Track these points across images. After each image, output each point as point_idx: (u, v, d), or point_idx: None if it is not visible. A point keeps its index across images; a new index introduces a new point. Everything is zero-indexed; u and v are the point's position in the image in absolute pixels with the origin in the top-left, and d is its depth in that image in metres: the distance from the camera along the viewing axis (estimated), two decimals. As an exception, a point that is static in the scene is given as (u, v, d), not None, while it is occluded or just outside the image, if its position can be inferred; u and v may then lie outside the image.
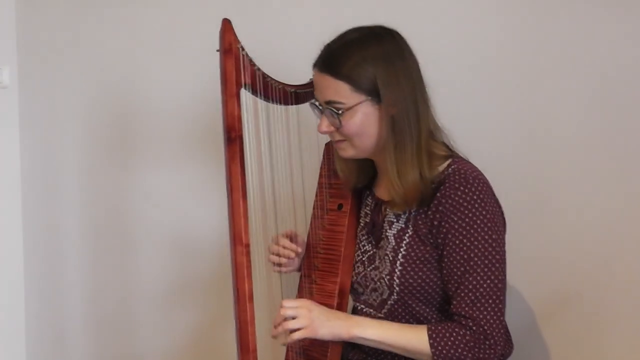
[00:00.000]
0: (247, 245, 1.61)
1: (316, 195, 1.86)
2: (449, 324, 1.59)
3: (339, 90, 1.60)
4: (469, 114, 1.73)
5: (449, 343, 1.57)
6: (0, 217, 2.71)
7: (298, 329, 1.60)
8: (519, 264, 1.84)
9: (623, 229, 1.81)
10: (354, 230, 1.78)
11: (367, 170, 1.77)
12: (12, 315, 2.74)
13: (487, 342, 1.57)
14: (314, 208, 1.85)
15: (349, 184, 1.79)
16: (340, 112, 1.61)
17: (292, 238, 1.84)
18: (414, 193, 1.61)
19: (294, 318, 1.60)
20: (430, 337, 1.58)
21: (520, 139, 1.92)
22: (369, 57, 1.59)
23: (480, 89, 1.95)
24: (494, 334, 1.57)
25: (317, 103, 1.68)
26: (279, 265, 1.83)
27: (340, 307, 1.73)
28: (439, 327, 1.59)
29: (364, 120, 1.61)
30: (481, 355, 1.56)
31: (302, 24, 2.18)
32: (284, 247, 1.82)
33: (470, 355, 1.56)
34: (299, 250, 1.83)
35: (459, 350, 1.56)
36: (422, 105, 1.62)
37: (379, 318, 1.70)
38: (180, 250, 2.48)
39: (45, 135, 2.70)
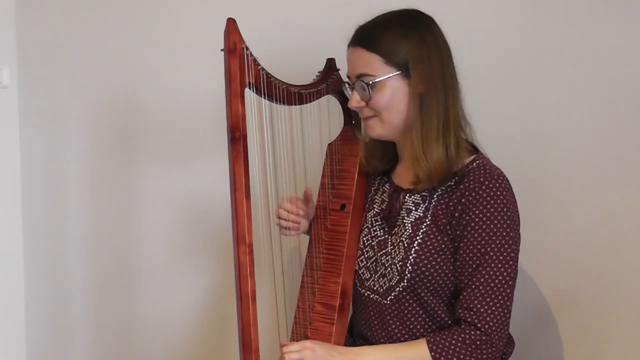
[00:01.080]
0: (251, 245, 1.61)
1: (319, 196, 1.86)
2: (446, 333, 1.61)
3: (371, 63, 1.64)
4: (472, 113, 1.74)
5: (450, 352, 1.58)
6: (1, 216, 2.71)
7: None
8: (521, 263, 1.84)
9: (625, 229, 1.82)
10: (356, 231, 1.79)
11: (389, 155, 1.79)
12: (12, 315, 2.74)
13: (490, 341, 1.58)
14: (316, 208, 1.85)
15: (371, 168, 1.81)
16: (370, 83, 1.64)
17: (307, 199, 1.85)
18: (438, 170, 1.63)
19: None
20: (431, 349, 1.59)
21: (524, 138, 1.93)
22: (402, 32, 1.63)
23: (484, 88, 1.96)
24: (498, 330, 1.58)
25: (348, 81, 1.71)
26: (285, 228, 1.85)
27: (343, 308, 1.73)
28: (438, 338, 1.60)
29: (393, 94, 1.64)
30: (484, 356, 1.58)
31: (307, 24, 2.18)
32: (288, 212, 1.84)
33: (473, 357, 1.58)
34: (301, 213, 1.84)
35: (461, 356, 1.58)
36: (451, 88, 1.65)
37: (384, 305, 1.70)
38: (183, 251, 2.47)
39: (45, 135, 2.70)
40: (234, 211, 1.62)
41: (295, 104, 1.74)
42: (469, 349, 1.58)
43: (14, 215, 2.72)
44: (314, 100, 1.78)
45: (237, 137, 1.62)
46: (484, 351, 1.58)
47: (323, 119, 1.86)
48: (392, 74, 1.63)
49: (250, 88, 1.65)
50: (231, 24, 1.61)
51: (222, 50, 1.62)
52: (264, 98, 1.69)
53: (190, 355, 2.48)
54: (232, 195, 1.62)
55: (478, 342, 1.58)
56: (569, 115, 1.88)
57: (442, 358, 1.58)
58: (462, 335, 1.58)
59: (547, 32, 1.89)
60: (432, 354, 1.59)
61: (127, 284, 2.58)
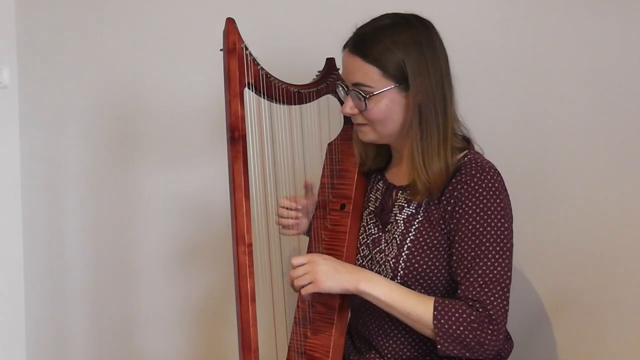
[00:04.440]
0: (250, 245, 1.61)
1: (318, 196, 1.86)
2: (456, 301, 1.59)
3: (369, 74, 1.62)
4: (473, 110, 1.74)
5: (452, 319, 1.56)
6: (0, 217, 2.71)
7: (308, 285, 1.62)
8: (521, 261, 1.84)
9: (626, 226, 1.82)
10: (356, 231, 1.79)
11: (384, 154, 1.79)
12: (12, 316, 2.74)
13: (491, 327, 1.56)
14: (316, 208, 1.85)
15: (365, 167, 1.80)
16: (367, 95, 1.63)
17: (306, 190, 1.84)
18: (438, 182, 1.62)
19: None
20: (435, 308, 1.57)
21: (525, 135, 1.93)
22: (400, 43, 1.61)
23: (485, 86, 1.96)
24: (499, 320, 1.57)
25: (343, 84, 1.69)
26: (286, 227, 1.85)
27: (342, 306, 1.73)
28: (446, 302, 1.58)
29: (389, 107, 1.63)
30: (482, 339, 1.56)
31: (306, 23, 2.18)
32: (287, 208, 1.83)
33: (471, 335, 1.56)
34: (300, 207, 1.83)
35: (461, 328, 1.56)
36: (448, 95, 1.64)
37: None
38: (182, 251, 2.48)
39: (45, 135, 2.70)
40: (234, 211, 1.62)
41: (294, 104, 1.74)
42: (472, 325, 1.55)
43: (14, 215, 2.73)
44: (313, 100, 1.78)
45: (236, 137, 1.62)
46: (483, 335, 1.55)
47: (323, 118, 1.86)
48: (390, 87, 1.62)
49: (249, 88, 1.65)
50: (230, 24, 1.61)
51: (221, 50, 1.62)
52: (264, 98, 1.69)
53: (189, 355, 2.48)
54: (231, 195, 1.62)
55: (482, 323, 1.56)
56: (569, 114, 1.88)
57: (442, 321, 1.56)
58: (469, 310, 1.56)
59: (546, 29, 1.89)
60: (435, 312, 1.57)
61: (126, 284, 2.58)
